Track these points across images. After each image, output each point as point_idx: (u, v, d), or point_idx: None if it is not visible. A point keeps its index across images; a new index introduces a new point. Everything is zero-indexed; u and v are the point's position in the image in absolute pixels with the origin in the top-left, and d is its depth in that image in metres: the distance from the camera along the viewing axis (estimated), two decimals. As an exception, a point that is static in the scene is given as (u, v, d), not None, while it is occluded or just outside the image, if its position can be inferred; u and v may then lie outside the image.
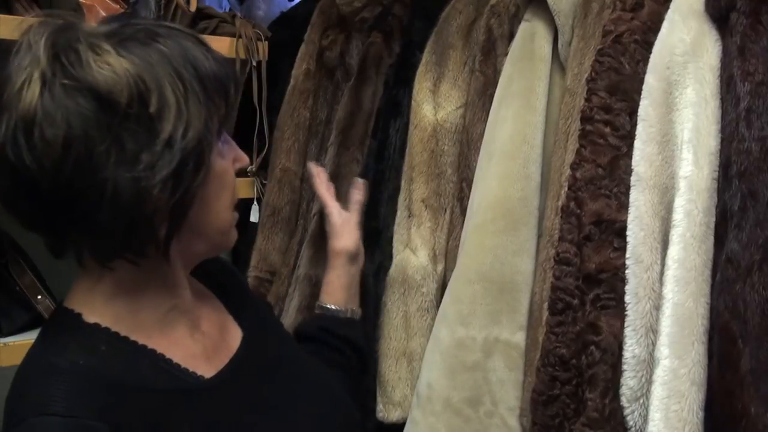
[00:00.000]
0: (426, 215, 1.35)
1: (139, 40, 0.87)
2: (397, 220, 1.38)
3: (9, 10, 1.42)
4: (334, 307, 1.30)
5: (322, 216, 1.39)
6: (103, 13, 1.40)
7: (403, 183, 1.38)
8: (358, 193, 1.39)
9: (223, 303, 1.11)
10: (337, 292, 1.31)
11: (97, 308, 0.93)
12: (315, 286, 1.39)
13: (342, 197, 1.40)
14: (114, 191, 0.83)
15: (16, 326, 1.51)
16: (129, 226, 0.86)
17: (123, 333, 0.93)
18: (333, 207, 1.36)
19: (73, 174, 0.83)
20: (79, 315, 0.93)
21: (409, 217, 1.36)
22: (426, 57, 1.40)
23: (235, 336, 1.07)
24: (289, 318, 1.43)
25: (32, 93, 0.82)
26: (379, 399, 1.33)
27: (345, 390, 1.17)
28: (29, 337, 1.47)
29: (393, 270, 1.36)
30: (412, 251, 1.34)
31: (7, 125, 0.83)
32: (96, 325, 0.92)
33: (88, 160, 0.82)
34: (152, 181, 0.84)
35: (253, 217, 1.63)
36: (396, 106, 1.43)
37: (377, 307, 1.37)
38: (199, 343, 1.00)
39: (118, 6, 1.45)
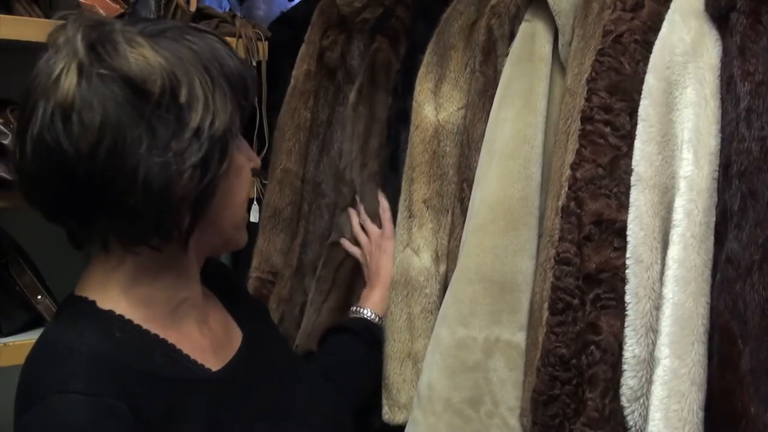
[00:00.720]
0: (428, 216, 1.35)
1: (170, 37, 0.92)
2: (398, 220, 1.39)
3: (9, 10, 1.43)
4: (373, 315, 1.37)
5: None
6: (103, 13, 1.40)
7: (403, 184, 1.38)
8: (381, 203, 1.44)
9: (223, 304, 1.13)
10: (378, 304, 1.38)
11: (111, 297, 0.96)
12: (350, 292, 1.44)
13: (371, 214, 1.44)
14: (146, 176, 0.87)
15: (16, 326, 1.52)
16: (158, 211, 0.90)
17: (136, 321, 0.95)
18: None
19: (108, 158, 0.87)
20: (93, 302, 0.95)
21: (410, 217, 1.36)
22: (427, 58, 1.40)
23: (236, 335, 1.10)
24: (322, 317, 1.44)
25: (70, 81, 0.87)
26: (384, 401, 1.33)
27: (346, 388, 1.23)
28: (29, 337, 1.48)
29: (395, 272, 1.36)
30: (414, 252, 1.34)
31: (44, 111, 0.87)
32: (110, 312, 0.95)
33: (122, 144, 0.87)
34: (182, 167, 0.89)
35: (253, 217, 1.64)
36: (405, 113, 1.43)
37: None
38: (206, 338, 1.03)
39: (118, 6, 1.45)
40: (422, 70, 1.39)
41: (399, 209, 1.38)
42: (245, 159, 1.02)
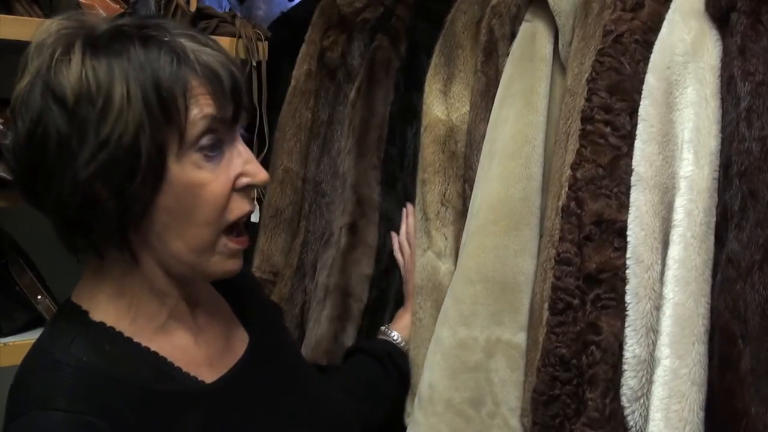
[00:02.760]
0: (448, 218, 1.34)
1: (116, 47, 0.89)
2: (416, 224, 1.37)
3: (9, 10, 1.43)
4: (400, 339, 1.35)
5: (353, 228, 1.42)
6: (103, 13, 1.40)
7: (417, 186, 1.37)
8: (408, 220, 1.42)
9: (232, 306, 1.12)
10: (408, 329, 1.35)
11: (101, 307, 0.95)
12: (346, 296, 1.40)
13: (366, 204, 1.42)
14: (59, 184, 0.88)
15: (16, 326, 1.52)
16: (79, 220, 0.91)
17: (126, 334, 0.95)
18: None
19: (34, 165, 0.90)
20: (86, 312, 0.95)
21: (427, 220, 1.34)
22: (435, 59, 1.39)
23: (241, 341, 1.08)
24: (322, 327, 1.41)
25: (20, 85, 0.90)
26: (408, 407, 1.31)
27: (350, 401, 1.21)
28: (29, 337, 1.48)
29: (417, 277, 1.33)
30: (437, 256, 1.33)
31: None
32: (101, 324, 0.94)
33: (42, 152, 0.88)
34: (87, 177, 0.88)
35: (254, 217, 1.63)
36: (411, 111, 1.43)
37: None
38: (202, 350, 1.01)
39: (118, 6, 1.45)
40: (430, 71, 1.39)
41: (415, 212, 1.37)
42: (211, 176, 0.93)
